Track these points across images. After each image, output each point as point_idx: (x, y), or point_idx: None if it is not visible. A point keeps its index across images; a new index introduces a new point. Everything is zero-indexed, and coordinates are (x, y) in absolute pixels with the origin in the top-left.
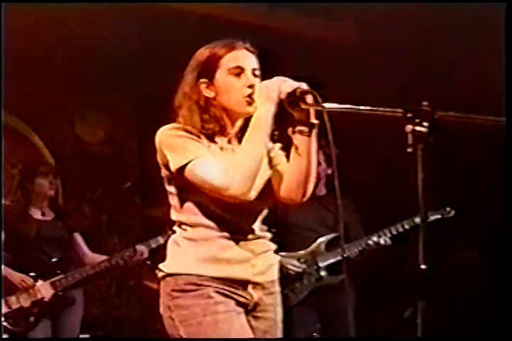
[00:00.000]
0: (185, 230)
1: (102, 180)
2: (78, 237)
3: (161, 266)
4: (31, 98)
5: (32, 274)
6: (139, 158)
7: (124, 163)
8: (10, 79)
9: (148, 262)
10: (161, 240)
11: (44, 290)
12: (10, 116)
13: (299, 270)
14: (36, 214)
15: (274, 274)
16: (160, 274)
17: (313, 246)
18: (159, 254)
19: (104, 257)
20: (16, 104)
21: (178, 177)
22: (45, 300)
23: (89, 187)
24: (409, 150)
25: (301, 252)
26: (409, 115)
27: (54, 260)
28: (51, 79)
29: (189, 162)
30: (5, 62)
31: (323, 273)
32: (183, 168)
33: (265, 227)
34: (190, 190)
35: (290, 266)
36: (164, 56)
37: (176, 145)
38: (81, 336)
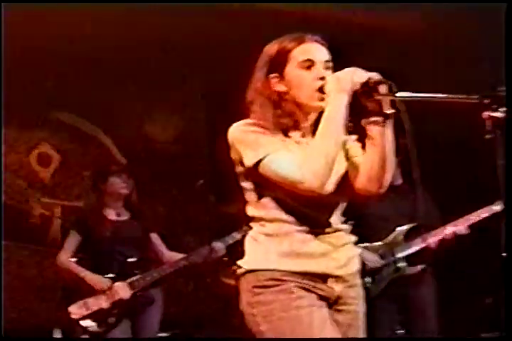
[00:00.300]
0: (263, 226)
1: (174, 178)
2: (155, 237)
3: (240, 262)
4: (100, 99)
5: (110, 275)
6: (209, 155)
7: (195, 161)
8: (77, 82)
9: (225, 259)
10: (237, 236)
11: (122, 290)
12: (78, 118)
13: (378, 265)
14: (111, 214)
15: (355, 267)
16: (239, 271)
17: (391, 236)
18: (236, 250)
19: (181, 255)
20: (84, 106)
21: (254, 172)
22: (124, 300)
23: (162, 187)
24: (487, 136)
25: (379, 243)
26: (485, 101)
27: (131, 260)
28: (119, 79)
29: (264, 157)
30: (68, 64)
31: (401, 263)
32: (257, 163)
33: (343, 220)
34: (266, 185)
35: (368, 260)
36: (233, 53)
37: (249, 141)
38: (160, 335)
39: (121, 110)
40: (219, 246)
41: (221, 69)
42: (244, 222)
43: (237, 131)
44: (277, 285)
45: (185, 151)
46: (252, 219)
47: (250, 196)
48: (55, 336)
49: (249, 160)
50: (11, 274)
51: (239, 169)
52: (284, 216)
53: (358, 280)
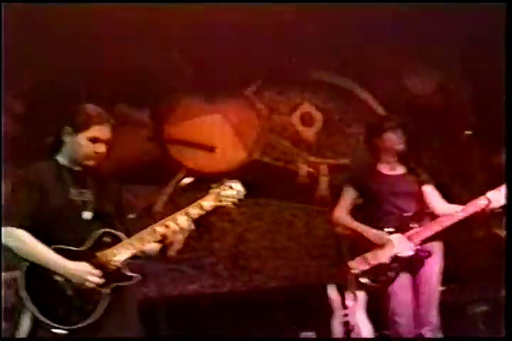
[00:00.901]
0: None
1: (439, 130)
2: (429, 189)
3: None
4: (358, 56)
5: (388, 229)
6: (473, 105)
7: (458, 111)
8: (335, 39)
9: (499, 210)
10: None
11: (401, 244)
12: (337, 75)
13: None
14: (386, 169)
15: None
16: None
17: None
18: None
19: (457, 207)
20: (343, 63)
21: None
22: (403, 254)
23: (426, 139)
24: None
25: None
26: None
27: (408, 214)
28: (373, 35)
29: None
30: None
31: None
32: None
33: None
34: None
35: None
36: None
37: None
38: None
39: (380, 65)
40: (496, 196)
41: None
42: None
43: None
44: None
45: (446, 103)
46: None
47: None
48: (329, 292)
49: None
50: (281, 234)
51: None
52: None
53: None
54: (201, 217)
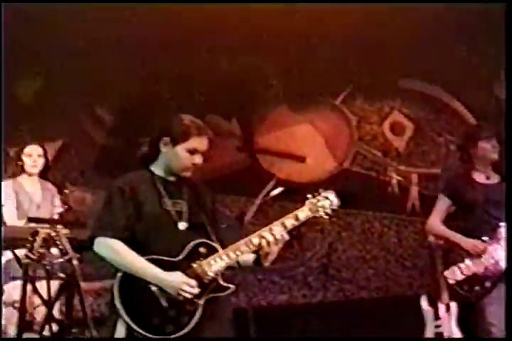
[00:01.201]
0: None
1: None
2: None
3: None
4: (447, 64)
5: (484, 239)
6: None
7: None
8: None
9: None
10: None
11: (497, 254)
12: (428, 84)
13: None
14: (481, 178)
15: None
16: None
17: None
18: None
19: None
20: (431, 71)
21: None
22: (499, 264)
23: None
24: None
25: None
26: None
27: (503, 223)
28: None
29: None
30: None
31: None
32: None
33: None
34: None
35: None
36: None
37: None
38: None
39: (470, 73)
40: None
41: None
42: None
43: None
44: None
45: None
46: None
47: None
48: (422, 302)
49: None
50: (372, 244)
51: None
52: None
53: None
54: (294, 227)
